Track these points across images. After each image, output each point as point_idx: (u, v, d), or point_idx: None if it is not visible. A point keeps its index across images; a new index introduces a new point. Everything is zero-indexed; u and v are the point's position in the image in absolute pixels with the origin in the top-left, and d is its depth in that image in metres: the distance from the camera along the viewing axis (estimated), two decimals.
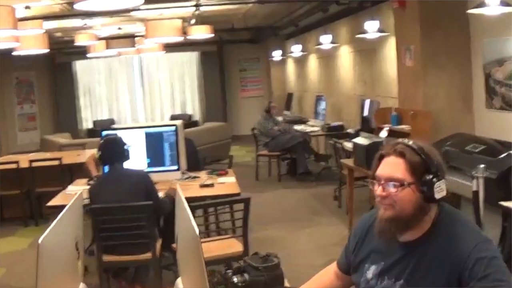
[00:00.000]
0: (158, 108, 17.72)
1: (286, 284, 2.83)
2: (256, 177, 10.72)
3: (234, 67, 17.49)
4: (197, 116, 17.45)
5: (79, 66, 17.37)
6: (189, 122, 14.78)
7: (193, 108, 17.67)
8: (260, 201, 8.94)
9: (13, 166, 8.36)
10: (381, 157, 2.24)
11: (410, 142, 2.19)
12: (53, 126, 17.01)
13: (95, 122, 16.95)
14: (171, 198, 5.27)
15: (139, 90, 17.67)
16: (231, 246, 4.98)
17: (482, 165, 4.56)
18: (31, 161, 8.30)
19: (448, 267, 2.08)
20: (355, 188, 7.26)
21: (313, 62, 12.78)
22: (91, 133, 16.33)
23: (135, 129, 6.10)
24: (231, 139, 13.63)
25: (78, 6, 4.95)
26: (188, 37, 9.81)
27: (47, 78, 17.27)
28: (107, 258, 4.91)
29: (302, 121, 11.71)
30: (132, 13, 10.25)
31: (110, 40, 12.18)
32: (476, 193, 4.55)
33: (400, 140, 2.25)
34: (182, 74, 17.62)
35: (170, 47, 14.21)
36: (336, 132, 9.51)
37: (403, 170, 2.14)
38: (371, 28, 7.58)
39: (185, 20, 10.24)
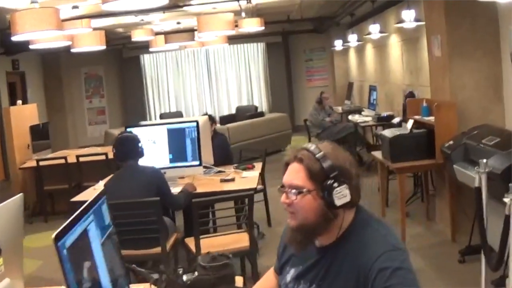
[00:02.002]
0: (225, 100, 17.99)
1: (239, 284, 2.92)
2: None
3: (299, 57, 17.59)
4: (263, 107, 17.62)
5: (147, 60, 17.90)
6: (255, 113, 14.92)
7: (260, 99, 17.85)
8: None
9: (62, 161, 8.78)
10: (286, 164, 2.21)
11: (312, 148, 2.15)
12: (122, 119, 17.58)
13: (161, 115, 17.39)
14: (187, 193, 5.47)
15: (205, 82, 18.02)
16: (239, 240, 5.11)
17: (484, 160, 4.49)
18: (78, 156, 8.68)
19: (355, 275, 2.04)
20: (393, 180, 7.27)
21: (369, 51, 12.71)
22: None
23: (158, 126, 6.32)
24: (291, 129, 13.71)
25: (105, 7, 5.23)
26: (239, 30, 10.00)
27: (115, 72, 17.89)
28: None
29: (358, 111, 11.68)
30: (185, 8, 10.48)
31: (169, 35, 12.49)
32: (478, 189, 4.47)
33: (305, 145, 2.20)
34: (248, 65, 17.84)
35: (235, 39, 14.45)
36: (384, 123, 9.45)
37: (303, 177, 2.12)
38: (407, 17, 7.55)
39: (238, 13, 10.43)
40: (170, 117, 16.38)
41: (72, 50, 9.55)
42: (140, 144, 5.36)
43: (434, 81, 6.82)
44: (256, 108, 16.69)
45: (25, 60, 14.66)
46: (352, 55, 15.18)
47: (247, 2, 9.78)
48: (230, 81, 17.91)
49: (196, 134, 6.08)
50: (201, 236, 5.00)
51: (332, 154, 2.13)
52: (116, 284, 2.40)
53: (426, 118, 6.46)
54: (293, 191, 2.12)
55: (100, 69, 17.57)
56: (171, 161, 6.14)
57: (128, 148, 5.33)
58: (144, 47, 12.91)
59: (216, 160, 6.73)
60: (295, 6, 11.71)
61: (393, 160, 6.15)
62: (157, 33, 12.25)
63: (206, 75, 17.97)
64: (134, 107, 17.89)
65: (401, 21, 7.72)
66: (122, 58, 17.66)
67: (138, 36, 11.23)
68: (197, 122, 6.10)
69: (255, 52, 17.76)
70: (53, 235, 1.90)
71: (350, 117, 11.05)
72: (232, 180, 5.99)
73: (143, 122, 7.61)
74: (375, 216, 2.22)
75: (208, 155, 6.49)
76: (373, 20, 10.16)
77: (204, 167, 6.32)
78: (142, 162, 5.47)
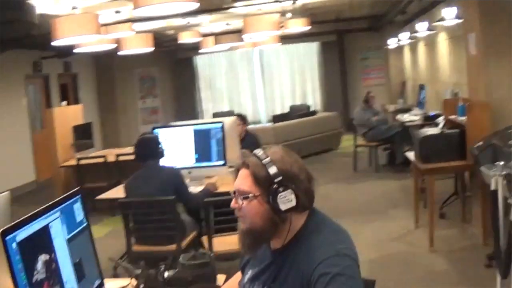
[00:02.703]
0: (279, 99, 18.12)
1: (221, 282, 3.01)
2: (354, 168, 10.82)
3: (355, 56, 17.58)
4: (317, 106, 17.69)
5: (200, 60, 18.26)
6: (307, 112, 15.01)
7: (314, 98, 17.92)
8: (344, 192, 9.25)
9: (101, 160, 9.11)
10: (237, 170, 2.24)
11: (259, 153, 2.19)
12: (175, 119, 17.88)
13: (214, 115, 17.64)
14: (206, 193, 5.61)
15: (259, 82, 18.18)
16: None
17: (501, 162, 4.46)
18: (118, 155, 8.96)
19: (300, 280, 2.08)
20: (437, 180, 7.23)
21: (421, 49, 12.62)
22: None
23: (185, 127, 6.47)
24: (342, 128, 13.74)
25: (137, 13, 5.44)
26: (285, 31, 10.13)
27: (169, 73, 18.28)
28: (136, 248, 5.34)
29: (407, 110, 11.62)
30: (232, 10, 10.66)
31: (219, 36, 12.70)
32: (494, 193, 4.43)
33: (255, 151, 2.23)
34: (302, 65, 17.95)
35: (288, 39, 14.56)
36: (430, 122, 9.37)
37: (249, 182, 2.16)
38: (449, 15, 7.52)
39: (284, 13, 10.56)
40: (223, 117, 16.63)
41: (120, 53, 9.85)
42: (160, 145, 5.52)
43: (471, 80, 6.78)
44: (308, 107, 16.75)
45: (77, 62, 15.16)
46: (406, 53, 15.09)
47: (293, 3, 9.88)
48: (284, 80, 18.08)
49: (221, 135, 6.20)
50: (214, 235, 5.14)
51: (279, 159, 2.17)
52: (83, 278, 2.54)
53: (460, 118, 6.40)
54: (241, 196, 2.18)
55: (154, 70, 17.98)
56: (197, 160, 6.29)
57: (148, 149, 5.50)
58: (197, 48, 13.18)
59: None
60: (346, 5, 11.75)
61: (423, 161, 6.11)
62: (206, 35, 12.49)
63: (260, 75, 18.17)
64: (187, 107, 18.25)
65: (442, 19, 7.67)
66: (175, 59, 18.04)
67: (185, 38, 11.49)
68: (222, 123, 6.23)
69: (309, 51, 17.90)
70: (1, 230, 2.03)
71: (398, 116, 11.02)
72: None
73: (172, 123, 7.79)
74: (328, 221, 2.25)
75: (235, 155, 6.60)
76: (424, 18, 10.10)
77: (230, 166, 6.43)
78: (167, 161, 5.70)
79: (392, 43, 14.14)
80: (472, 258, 5.71)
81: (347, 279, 1.99)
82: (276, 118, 15.39)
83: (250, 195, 2.15)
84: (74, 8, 7.39)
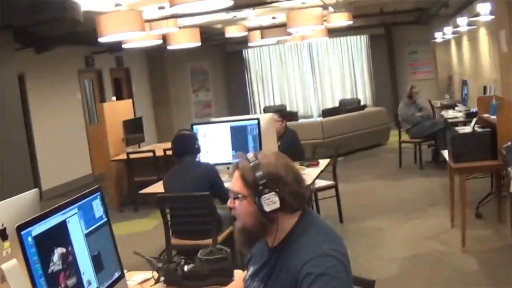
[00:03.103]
0: (329, 93, 18.21)
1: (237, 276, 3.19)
2: (399, 164, 10.88)
3: (403, 49, 17.53)
4: (367, 100, 17.71)
5: (250, 54, 18.46)
6: (355, 106, 15.05)
7: (364, 92, 17.95)
8: (388, 188, 9.35)
9: (150, 154, 9.41)
10: (232, 171, 2.39)
11: (250, 156, 2.33)
12: (227, 112, 18.16)
13: (265, 109, 17.81)
14: None
15: (309, 75, 18.30)
16: None
17: None
18: (165, 149, 9.25)
19: (289, 278, 2.17)
20: (475, 179, 7.25)
21: (465, 44, 12.54)
22: None
23: (222, 123, 6.66)
24: (391, 124, 13.76)
25: (173, 10, 5.69)
26: (327, 25, 10.24)
27: (220, 66, 18.55)
28: (174, 241, 5.61)
29: (453, 106, 11.59)
30: (275, 4, 10.80)
31: (266, 30, 12.87)
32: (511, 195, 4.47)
33: (248, 154, 2.37)
34: (352, 58, 18.02)
35: (337, 32, 14.65)
36: (471, 119, 9.35)
37: (239, 184, 2.30)
38: (483, 10, 7.53)
39: (326, 7, 10.66)
40: (273, 110, 16.80)
41: (169, 47, 10.13)
42: (197, 141, 5.73)
43: (503, 77, 6.77)
44: (359, 101, 16.79)
45: (129, 57, 15.51)
46: (452, 47, 14.99)
47: None
48: (333, 74, 18.16)
49: (257, 131, 6.36)
50: None
51: (266, 162, 2.30)
52: (102, 270, 2.76)
53: (492, 117, 6.39)
54: (233, 196, 2.33)
55: (206, 64, 18.26)
56: (234, 157, 6.46)
57: (185, 145, 5.71)
58: (246, 41, 13.40)
59: (286, 155, 6.98)
60: None
61: (455, 160, 6.14)
62: (252, 29, 12.65)
63: (310, 68, 18.30)
64: (238, 100, 18.49)
65: (478, 15, 7.68)
66: (226, 52, 18.29)
67: (231, 32, 11.69)
68: (258, 119, 6.40)
69: (358, 44, 17.95)
70: (16, 226, 2.27)
71: (443, 112, 10.99)
72: None
73: (211, 119, 7.99)
74: (318, 222, 2.34)
75: (272, 151, 6.77)
76: (465, 12, 10.06)
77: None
78: (206, 157, 6.07)
79: (438, 37, 14.07)
80: (503, 259, 5.70)
81: (330, 279, 2.08)
82: (326, 113, 15.46)
83: (240, 195, 2.30)
84: (117, 5, 7.67)
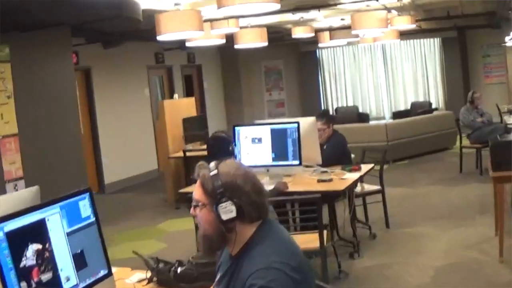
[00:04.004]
0: (401, 95, 18.05)
1: None
2: (460, 169, 10.77)
3: (476, 53, 17.28)
4: (439, 103, 17.48)
5: (324, 54, 18.52)
6: (425, 110, 14.88)
7: (436, 95, 17.72)
8: (443, 194, 9.27)
9: (205, 152, 9.63)
10: (196, 180, 2.48)
11: (210, 165, 2.41)
12: (300, 112, 18.24)
13: (336, 109, 17.82)
14: (275, 192, 5.92)
15: (382, 77, 18.19)
16: (311, 241, 5.36)
17: None
18: None
19: (240, 287, 2.26)
20: None
21: None
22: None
23: (263, 126, 6.78)
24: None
25: (221, 12, 5.89)
26: (391, 28, 10.24)
27: (294, 66, 18.64)
28: None
29: None
30: (339, 6, 10.87)
31: (334, 31, 12.94)
32: None
33: (211, 164, 2.44)
34: (425, 60, 17.84)
35: (409, 35, 14.56)
36: None
37: (200, 192, 2.40)
38: None
39: (397, 9, 10.64)
40: (345, 112, 16.88)
41: (236, 47, 10.35)
42: (230, 144, 5.88)
43: None
44: (430, 104, 16.58)
45: (201, 54, 15.80)
46: None
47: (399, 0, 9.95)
48: (406, 76, 18.04)
49: (297, 135, 6.44)
50: None
51: (225, 172, 2.37)
52: (85, 267, 2.94)
53: None
54: (194, 204, 2.44)
55: (280, 63, 18.40)
56: (274, 159, 6.55)
57: (219, 147, 5.90)
58: (315, 42, 13.49)
59: (330, 159, 7.05)
60: (456, 2, 11.63)
61: (494, 168, 6.07)
62: (320, 30, 12.74)
63: (383, 70, 18.18)
64: (311, 100, 18.54)
65: None
66: (300, 52, 18.38)
67: (298, 33, 11.82)
68: (298, 123, 6.48)
69: (431, 47, 17.75)
70: None
71: (505, 117, 10.78)
72: (330, 180, 6.30)
73: (257, 121, 8.11)
74: (276, 233, 2.38)
75: (315, 155, 6.84)
76: None
77: (306, 166, 6.69)
78: (247, 159, 6.24)
79: (508, 40, 13.76)
80: None
81: None
82: (396, 115, 15.41)
83: (199, 203, 2.40)
84: (176, 4, 7.91)
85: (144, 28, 9.16)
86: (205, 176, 2.40)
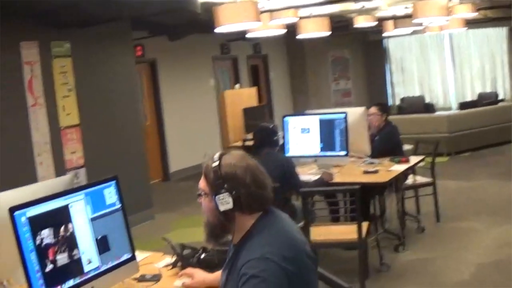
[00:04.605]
0: (469, 85, 17.75)
1: None
2: None
3: None
4: (506, 94, 17.10)
5: (391, 43, 18.33)
6: (491, 101, 14.61)
7: (503, 86, 17.34)
8: (498, 189, 9.06)
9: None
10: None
11: (214, 157, 2.46)
12: (366, 102, 18.13)
13: (402, 99, 17.67)
14: (320, 182, 6.01)
15: (449, 67, 17.90)
16: (349, 233, 5.43)
17: None
18: None
19: (236, 275, 2.31)
20: None
21: None
22: (400, 110, 17.09)
23: (311, 116, 6.86)
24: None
25: (280, 3, 5.96)
26: (454, 16, 10.12)
27: (361, 55, 18.54)
28: None
29: None
30: None
31: (398, 20, 12.82)
32: None
33: (215, 155, 2.50)
34: (492, 50, 17.53)
35: (476, 23, 14.29)
36: None
37: (203, 182, 2.47)
38: None
39: None
40: (411, 102, 16.73)
41: (298, 37, 10.43)
42: (276, 135, 5.99)
43: None
44: (496, 95, 16.24)
45: (267, 44, 15.89)
46: None
47: None
48: (474, 66, 17.71)
49: (344, 125, 6.49)
50: (313, 224, 5.52)
51: (227, 163, 2.42)
52: (108, 251, 3.11)
53: None
54: (198, 192, 2.52)
55: (347, 52, 18.32)
56: (322, 149, 6.63)
57: (265, 138, 5.99)
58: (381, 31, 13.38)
59: (381, 150, 7.08)
60: None
61: None
62: (383, 19, 12.64)
63: (450, 60, 17.89)
64: (378, 90, 18.42)
65: None
66: (366, 41, 18.26)
67: (360, 22, 11.75)
68: (345, 113, 6.52)
69: (498, 36, 17.33)
70: (8, 208, 2.65)
71: None
72: (375, 172, 6.34)
73: (308, 111, 8.15)
74: (275, 225, 2.41)
75: (364, 145, 6.87)
76: None
77: (355, 157, 6.74)
78: (295, 149, 6.40)
79: None
80: None
81: (261, 281, 2.20)
82: (463, 106, 15.18)
83: (202, 193, 2.49)
84: None
85: (207, 20, 9.31)
86: (208, 166, 2.46)
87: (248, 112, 10.94)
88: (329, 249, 6.37)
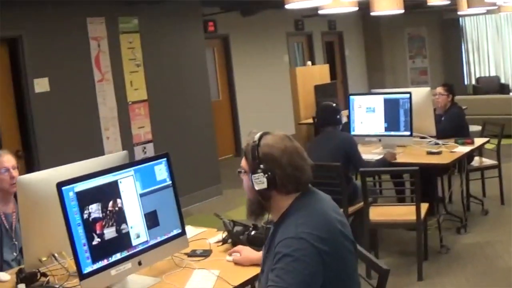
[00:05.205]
0: None
1: None
2: None
3: None
4: None
5: (467, 22, 17.82)
6: None
7: None
8: None
9: None
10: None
11: (255, 136, 2.47)
12: (442, 80, 17.75)
13: (478, 80, 17.23)
14: (382, 162, 5.93)
15: None
16: (407, 214, 5.33)
17: None
18: None
19: (273, 253, 2.33)
20: None
21: None
22: (475, 90, 16.69)
23: (376, 95, 6.77)
24: None
25: None
26: None
27: (437, 33, 18.10)
28: None
29: None
30: None
31: None
32: None
33: (258, 133, 2.51)
34: None
35: None
36: None
37: (244, 160, 2.50)
38: None
39: None
40: (487, 82, 16.28)
41: (372, 14, 10.26)
42: (339, 114, 5.93)
43: None
44: None
45: (342, 21, 15.71)
46: None
47: None
48: None
49: (409, 105, 6.37)
50: (374, 204, 5.47)
51: (266, 143, 2.43)
52: (157, 225, 3.16)
53: None
54: (238, 170, 2.54)
55: (423, 30, 17.94)
56: (386, 129, 6.54)
57: (328, 116, 5.95)
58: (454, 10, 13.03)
59: (446, 131, 6.93)
60: None
61: None
62: None
63: None
64: (453, 69, 17.99)
65: None
66: (443, 20, 17.82)
67: (433, 1, 11.46)
68: (410, 93, 6.40)
69: None
70: (56, 183, 2.73)
71: None
72: (439, 153, 6.21)
73: (374, 90, 8.02)
74: (311, 205, 2.41)
75: (429, 126, 6.74)
76: None
77: (420, 137, 6.62)
78: (360, 128, 6.41)
79: None
80: None
81: (293, 260, 2.21)
82: None
83: (242, 170, 2.52)
84: None
85: None
86: (248, 145, 2.48)
87: (319, 89, 10.84)
88: (392, 230, 6.30)
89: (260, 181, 2.41)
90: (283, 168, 2.39)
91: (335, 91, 11.59)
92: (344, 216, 2.52)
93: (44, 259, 3.19)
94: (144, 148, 7.94)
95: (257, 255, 3.11)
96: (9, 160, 3.91)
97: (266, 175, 2.40)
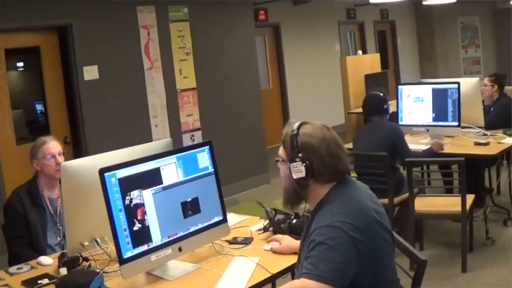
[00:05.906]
0: None
1: None
2: None
3: None
4: None
5: None
6: None
7: None
8: None
9: None
10: None
11: (294, 125, 2.46)
12: (495, 70, 17.38)
13: None
14: (429, 152, 5.84)
15: None
16: (452, 204, 5.23)
17: None
18: None
19: (308, 241, 2.34)
20: None
21: None
22: None
23: (425, 85, 6.65)
24: None
25: None
26: None
27: (490, 23, 17.74)
28: None
29: None
30: None
31: None
32: None
33: (297, 122, 2.50)
34: None
35: None
36: None
37: (282, 149, 2.51)
38: None
39: None
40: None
41: (425, 3, 10.16)
42: (386, 103, 5.85)
43: None
44: None
45: (394, 9, 15.50)
46: None
47: None
48: None
49: (457, 96, 6.25)
50: (419, 195, 5.38)
51: (304, 133, 2.43)
52: (198, 212, 3.16)
53: None
54: (276, 159, 2.56)
55: (476, 20, 17.60)
56: (434, 119, 6.41)
57: (374, 106, 5.88)
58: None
59: (495, 122, 6.78)
60: None
61: None
62: None
63: None
64: (507, 59, 17.55)
65: None
66: (496, 9, 17.46)
67: None
68: (458, 83, 6.27)
69: None
70: (99, 169, 2.75)
71: None
72: (486, 144, 6.07)
73: (424, 80, 7.85)
74: (348, 195, 2.39)
75: (477, 116, 6.60)
76: None
77: (468, 127, 6.49)
78: (407, 117, 6.30)
79: None
80: None
81: (327, 248, 2.21)
82: None
83: (280, 159, 2.53)
84: None
85: None
86: (287, 134, 2.48)
87: (369, 78, 10.71)
88: (438, 221, 6.20)
89: (298, 170, 2.40)
90: (321, 157, 2.39)
91: (386, 80, 11.42)
92: (381, 206, 2.48)
93: (86, 243, 3.22)
94: (192, 136, 7.97)
95: (297, 243, 3.08)
96: (55, 146, 3.95)
97: (304, 164, 2.39)
